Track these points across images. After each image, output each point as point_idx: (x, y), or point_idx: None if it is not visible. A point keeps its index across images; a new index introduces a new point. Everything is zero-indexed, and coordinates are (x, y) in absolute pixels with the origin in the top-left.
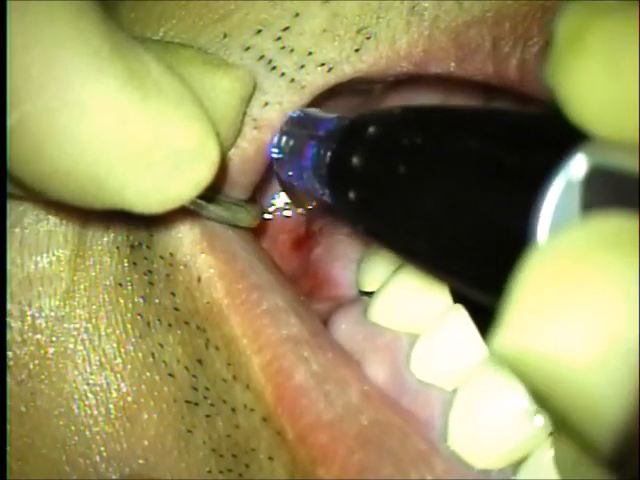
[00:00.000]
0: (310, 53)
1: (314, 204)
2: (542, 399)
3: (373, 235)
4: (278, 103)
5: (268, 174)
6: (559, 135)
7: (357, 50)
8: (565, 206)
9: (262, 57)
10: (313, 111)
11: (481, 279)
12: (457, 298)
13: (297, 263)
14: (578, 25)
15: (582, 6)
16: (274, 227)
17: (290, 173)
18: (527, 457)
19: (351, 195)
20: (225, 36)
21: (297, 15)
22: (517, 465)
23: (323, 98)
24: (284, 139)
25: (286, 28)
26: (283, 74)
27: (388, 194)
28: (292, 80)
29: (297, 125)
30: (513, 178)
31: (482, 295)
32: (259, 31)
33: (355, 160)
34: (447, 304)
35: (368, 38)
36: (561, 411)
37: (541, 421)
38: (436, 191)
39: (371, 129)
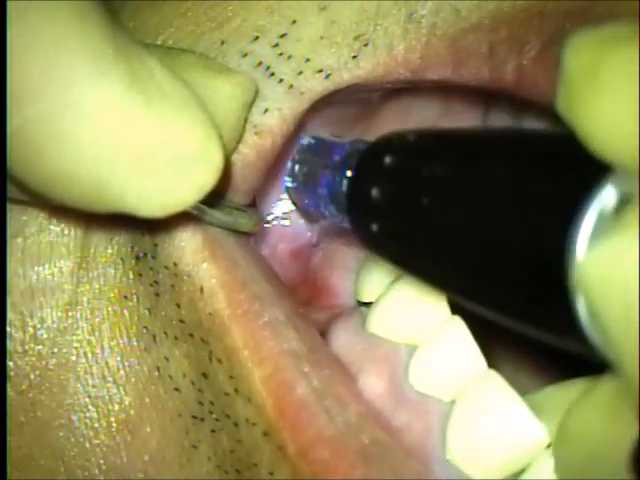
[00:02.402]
0: (308, 60)
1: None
2: (602, 331)
3: (399, 265)
4: (277, 109)
5: (269, 181)
6: (584, 163)
7: (355, 57)
8: (598, 235)
9: (260, 63)
10: (324, 137)
11: (514, 307)
12: (456, 309)
13: (296, 272)
14: (591, 58)
15: (592, 37)
16: (273, 235)
17: (306, 201)
18: (526, 468)
19: (373, 227)
20: (223, 43)
21: (294, 22)
22: (516, 476)
23: (321, 106)
24: (297, 167)
25: (283, 35)
26: (281, 80)
27: (412, 226)
28: (291, 86)
29: (309, 152)
30: (543, 208)
31: (515, 323)
32: (256, 38)
33: (374, 192)
34: (446, 315)
35: (365, 45)
36: (615, 350)
37: (540, 431)
38: (461, 222)
39: (387, 159)
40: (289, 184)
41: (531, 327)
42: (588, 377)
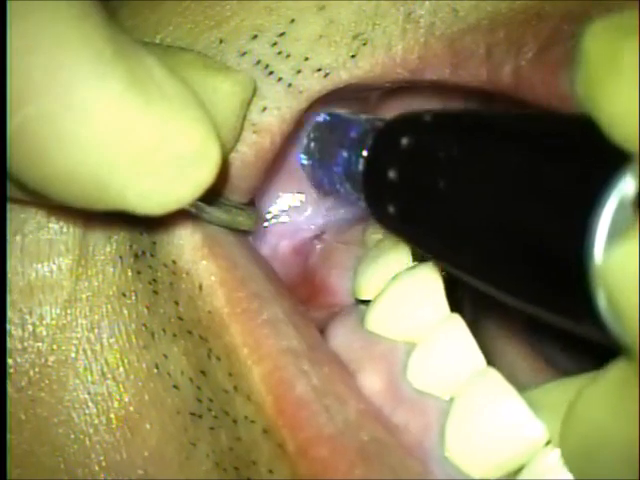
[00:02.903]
0: (306, 58)
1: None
2: (621, 320)
3: (416, 244)
4: (276, 108)
5: (267, 179)
6: (603, 151)
7: (353, 56)
8: (617, 225)
9: (259, 62)
10: (340, 113)
11: (532, 292)
12: (454, 307)
13: (295, 270)
14: (609, 47)
15: (609, 26)
16: (272, 233)
17: (321, 178)
18: (524, 466)
19: (391, 209)
20: (221, 42)
21: (293, 21)
22: (514, 474)
23: (319, 105)
24: (312, 144)
25: (282, 34)
26: (280, 79)
27: (429, 208)
28: (289, 85)
29: (324, 129)
30: (562, 195)
31: (532, 307)
32: (255, 36)
33: (391, 174)
34: (444, 313)
35: (364, 44)
36: (633, 339)
37: (538, 429)
38: (478, 205)
39: (404, 140)
40: (304, 161)
41: (548, 312)
42: (587, 374)
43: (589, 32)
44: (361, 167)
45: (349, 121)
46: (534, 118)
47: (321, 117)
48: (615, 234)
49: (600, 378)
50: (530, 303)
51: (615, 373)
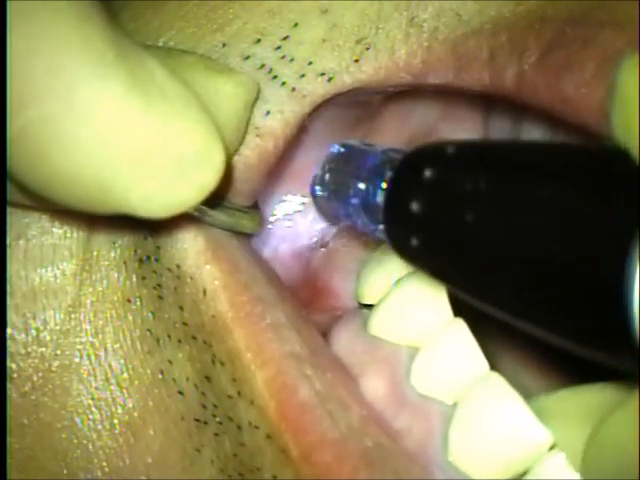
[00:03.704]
0: (310, 62)
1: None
2: None
3: (440, 277)
4: (279, 112)
5: (270, 182)
6: (637, 182)
7: (356, 60)
8: None
9: (263, 66)
10: (355, 144)
11: (564, 327)
12: (458, 311)
13: (298, 273)
14: None
15: None
16: (275, 236)
17: (337, 210)
18: (529, 470)
19: (414, 242)
20: (224, 45)
21: (296, 25)
22: (518, 478)
23: (322, 108)
24: (327, 176)
25: (285, 37)
26: (284, 83)
27: (455, 242)
28: (293, 89)
29: (339, 160)
30: (596, 229)
31: (564, 341)
32: (258, 40)
33: (414, 206)
34: (448, 317)
35: (367, 48)
36: None
37: (542, 433)
38: (507, 238)
39: (427, 172)
40: (319, 192)
41: (584, 347)
42: (598, 382)
43: (625, 66)
44: (380, 199)
45: (364, 152)
46: (557, 149)
47: (335, 148)
48: None
49: (626, 405)
50: (565, 338)
51: None
